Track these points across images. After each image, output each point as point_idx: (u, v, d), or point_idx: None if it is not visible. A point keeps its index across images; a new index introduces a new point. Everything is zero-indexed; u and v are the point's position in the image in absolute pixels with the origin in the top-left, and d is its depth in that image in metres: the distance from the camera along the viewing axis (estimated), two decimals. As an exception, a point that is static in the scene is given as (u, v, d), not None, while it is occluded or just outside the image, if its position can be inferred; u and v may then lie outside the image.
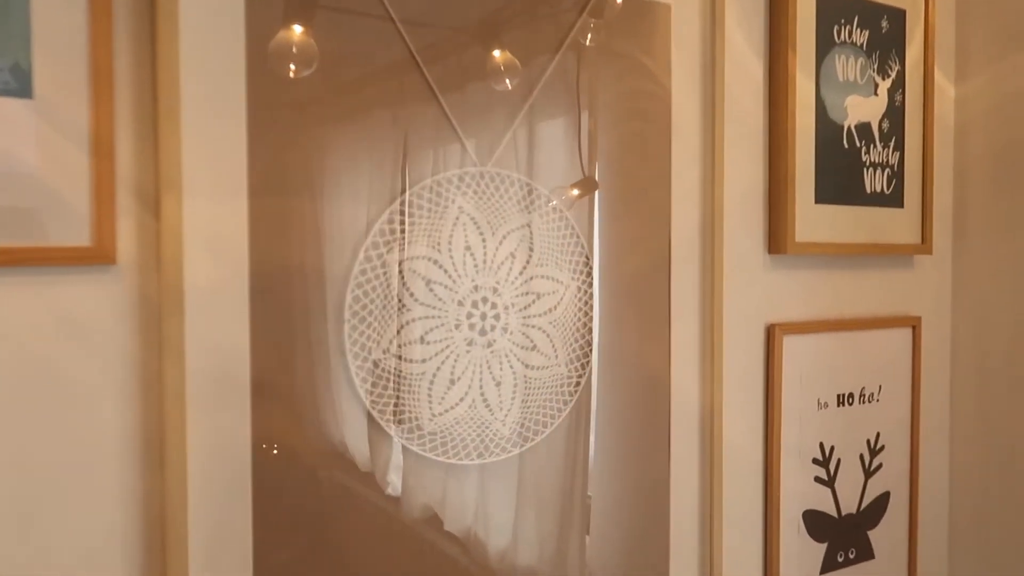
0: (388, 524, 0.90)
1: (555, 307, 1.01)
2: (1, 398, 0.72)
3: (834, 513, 1.31)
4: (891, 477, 1.39)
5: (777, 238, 1.22)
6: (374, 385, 0.89)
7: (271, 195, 0.83)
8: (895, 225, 1.36)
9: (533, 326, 0.99)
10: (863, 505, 1.35)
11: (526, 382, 0.99)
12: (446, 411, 0.93)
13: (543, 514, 1.01)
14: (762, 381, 1.23)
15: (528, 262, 0.99)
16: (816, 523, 1.29)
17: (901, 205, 1.36)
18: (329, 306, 0.86)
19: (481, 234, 0.95)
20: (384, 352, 0.89)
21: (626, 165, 1.07)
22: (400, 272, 0.90)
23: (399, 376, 0.90)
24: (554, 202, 0.97)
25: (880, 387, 1.37)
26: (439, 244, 0.93)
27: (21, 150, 0.72)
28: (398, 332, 0.90)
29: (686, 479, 1.14)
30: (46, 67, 0.73)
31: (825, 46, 1.25)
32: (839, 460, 1.31)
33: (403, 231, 0.90)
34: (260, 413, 0.82)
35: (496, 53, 0.96)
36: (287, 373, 0.84)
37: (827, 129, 1.26)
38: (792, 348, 1.25)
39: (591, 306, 1.04)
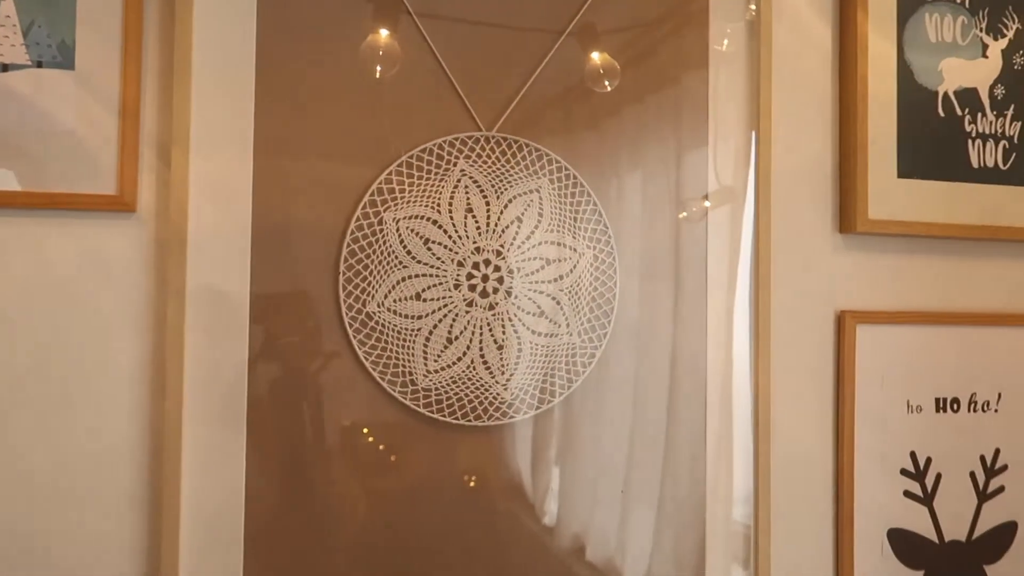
0: (364, 461, 0.93)
1: (567, 274, 0.99)
2: (37, 319, 0.85)
3: (933, 537, 1.13)
4: (1018, 504, 1.17)
5: (847, 215, 1.11)
6: (367, 336, 0.92)
7: (276, 152, 0.91)
8: (1017, 206, 1.17)
9: (541, 292, 0.98)
10: (976, 533, 1.15)
11: (532, 348, 0.98)
12: (441, 369, 0.95)
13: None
14: (832, 374, 1.11)
15: (537, 227, 0.98)
16: (907, 545, 1.12)
17: (1025, 183, 1.17)
18: (327, 259, 0.92)
19: (485, 197, 0.97)
20: (378, 306, 0.93)
21: (654, 133, 1.04)
22: (397, 230, 0.94)
23: (394, 330, 0.93)
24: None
25: (999, 395, 1.17)
26: (439, 205, 0.95)
27: (63, 113, 0.86)
28: (393, 288, 0.93)
29: (726, 478, 1.05)
30: (86, 43, 0.86)
31: (911, 4, 1.13)
32: (938, 475, 1.14)
33: (402, 191, 0.94)
34: (256, 349, 0.89)
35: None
36: (283, 318, 0.90)
37: (914, 96, 1.13)
38: (871, 340, 1.11)
39: (612, 277, 1.01)
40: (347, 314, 0.92)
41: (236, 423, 0.88)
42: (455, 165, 0.96)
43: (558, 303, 0.99)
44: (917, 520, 1.13)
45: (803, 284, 1.10)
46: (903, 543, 1.12)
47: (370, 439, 0.93)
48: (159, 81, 0.88)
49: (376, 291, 0.93)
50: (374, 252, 0.93)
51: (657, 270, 1.03)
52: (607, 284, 1.01)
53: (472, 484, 0.95)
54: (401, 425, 0.93)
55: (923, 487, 1.13)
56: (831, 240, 1.11)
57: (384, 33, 0.95)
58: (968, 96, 1.15)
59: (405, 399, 0.93)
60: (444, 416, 0.94)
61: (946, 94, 1.14)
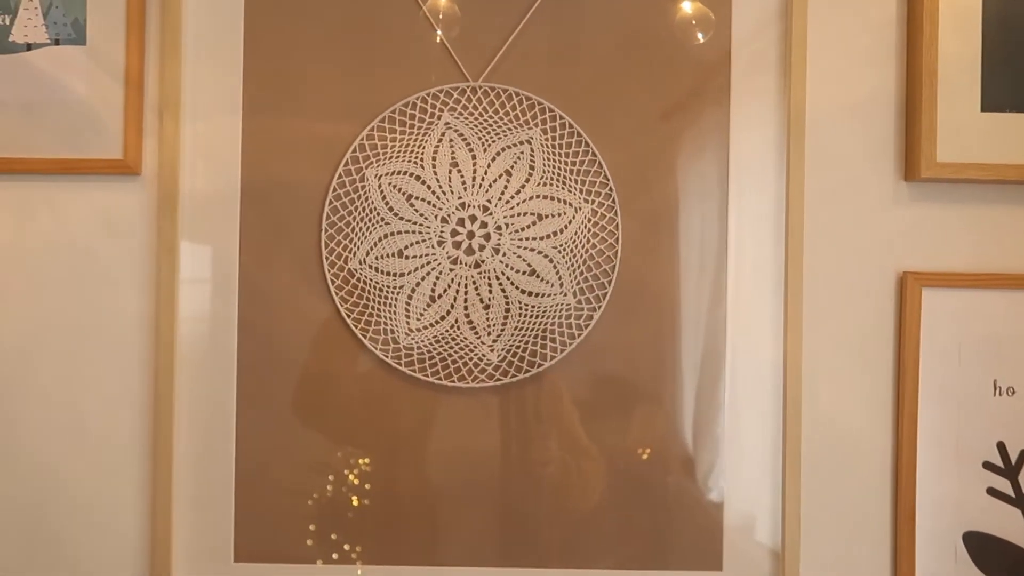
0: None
1: (561, 231, 0.93)
2: (53, 274, 0.93)
3: (1027, 546, 0.94)
4: None
5: (912, 159, 0.94)
6: (349, 294, 0.93)
7: (263, 112, 0.93)
8: None
9: (532, 249, 0.93)
10: (1091, 547, 0.94)
11: (521, 308, 0.93)
12: (424, 327, 0.92)
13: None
14: (892, 346, 0.95)
15: (527, 181, 0.93)
16: (991, 552, 0.94)
17: None
18: (310, 216, 0.93)
19: (471, 150, 0.93)
20: (360, 263, 0.93)
21: (658, 71, 0.94)
22: (379, 187, 0.93)
23: (375, 287, 0.92)
24: None
25: None
26: (422, 160, 0.93)
27: (76, 84, 0.93)
28: (375, 244, 0.92)
29: (752, 461, 0.93)
30: (96, 20, 0.93)
31: None
32: (1037, 472, 0.94)
33: (384, 147, 0.93)
34: (244, 304, 0.92)
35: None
36: (270, 273, 0.93)
37: (1006, 8, 0.93)
38: (943, 306, 0.94)
39: (614, 233, 0.93)
40: (329, 271, 0.92)
41: (227, 377, 0.92)
42: (439, 118, 0.93)
43: (551, 261, 0.93)
44: (1006, 524, 0.94)
45: (855, 240, 0.94)
46: (985, 549, 0.94)
47: (351, 395, 0.93)
48: (160, 48, 0.93)
49: (358, 248, 0.92)
50: (356, 209, 0.93)
51: (667, 225, 0.94)
52: (607, 241, 0.93)
53: (452, 446, 0.93)
54: (382, 383, 0.92)
55: (1015, 485, 0.94)
56: (893, 189, 0.95)
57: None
58: (1087, 5, 0.92)
59: (387, 357, 0.92)
60: (427, 375, 0.92)
61: (1054, 5, 0.92)
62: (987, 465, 0.94)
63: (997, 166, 0.92)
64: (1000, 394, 0.94)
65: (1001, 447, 0.94)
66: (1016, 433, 0.93)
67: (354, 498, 0.92)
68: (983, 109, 0.92)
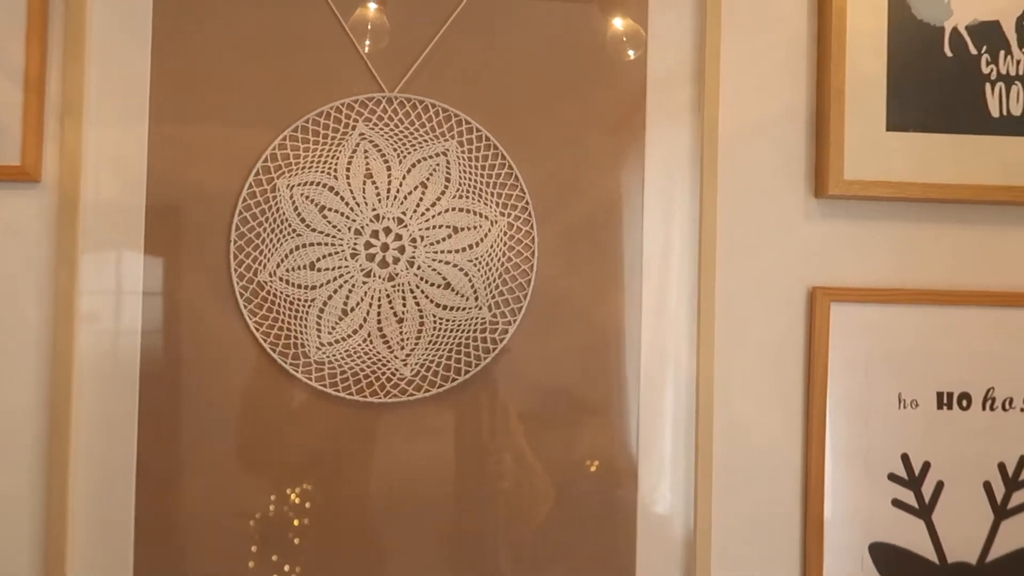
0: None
1: (477, 244, 0.92)
2: (-55, 284, 0.89)
3: (931, 556, 0.96)
4: (1049, 524, 0.97)
5: (821, 176, 0.95)
6: (258, 307, 0.90)
7: (171, 119, 0.90)
8: (1056, 163, 0.96)
9: (446, 262, 0.92)
10: (991, 555, 0.97)
11: (436, 322, 0.92)
12: (336, 341, 0.91)
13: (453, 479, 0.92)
14: (802, 359, 0.96)
15: (443, 193, 0.92)
16: (896, 564, 0.96)
17: (1069, 135, 0.96)
18: (219, 227, 0.90)
19: (386, 162, 0.92)
20: (270, 275, 0.90)
21: (576, 86, 0.94)
22: (291, 197, 0.91)
23: (286, 301, 0.90)
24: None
25: (1029, 391, 0.97)
26: (335, 170, 0.91)
27: (-29, 87, 0.89)
28: (286, 256, 0.91)
29: (664, 469, 0.94)
30: (-6, 19, 0.90)
31: (908, -76, 0.95)
32: (940, 484, 0.96)
33: (297, 157, 0.91)
34: (148, 317, 0.89)
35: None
36: (176, 284, 0.90)
37: (912, 33, 0.95)
38: (851, 321, 0.96)
39: (530, 247, 0.93)
40: (238, 283, 0.90)
41: (129, 391, 0.89)
42: (354, 128, 0.91)
43: (466, 274, 0.92)
44: (910, 535, 0.96)
45: (767, 255, 0.96)
46: (890, 561, 0.96)
47: (259, 410, 0.90)
48: (63, 51, 0.90)
49: (268, 260, 0.90)
50: (267, 220, 0.91)
51: (584, 240, 0.94)
52: (523, 255, 0.93)
53: (365, 463, 0.91)
54: (291, 398, 0.90)
55: (918, 496, 0.96)
56: (803, 205, 0.97)
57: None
58: (985, 31, 0.96)
59: (296, 372, 0.90)
60: (338, 391, 0.90)
61: (955, 30, 0.96)
62: (892, 477, 0.96)
63: (902, 184, 0.94)
64: (904, 407, 0.96)
65: (905, 459, 0.96)
66: (920, 445, 0.96)
67: (257, 512, 0.90)
68: (888, 128, 0.94)
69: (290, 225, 0.91)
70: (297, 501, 0.90)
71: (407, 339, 0.91)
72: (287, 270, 0.90)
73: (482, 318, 0.92)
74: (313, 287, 0.91)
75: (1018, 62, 0.96)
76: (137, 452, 0.89)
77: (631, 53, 0.94)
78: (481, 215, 0.92)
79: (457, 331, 0.92)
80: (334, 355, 0.90)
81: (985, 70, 0.95)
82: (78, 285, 0.88)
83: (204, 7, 0.91)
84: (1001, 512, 0.97)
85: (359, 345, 0.91)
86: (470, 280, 0.92)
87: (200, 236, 0.90)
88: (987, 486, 0.97)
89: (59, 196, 0.89)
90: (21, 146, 0.89)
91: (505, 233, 0.92)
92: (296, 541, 0.90)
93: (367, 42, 0.94)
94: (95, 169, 0.90)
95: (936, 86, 0.95)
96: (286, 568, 0.89)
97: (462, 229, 0.92)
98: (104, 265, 0.89)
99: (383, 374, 0.91)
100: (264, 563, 0.89)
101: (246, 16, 0.91)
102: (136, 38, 0.90)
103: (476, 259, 0.92)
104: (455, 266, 0.92)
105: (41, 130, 0.90)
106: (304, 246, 0.91)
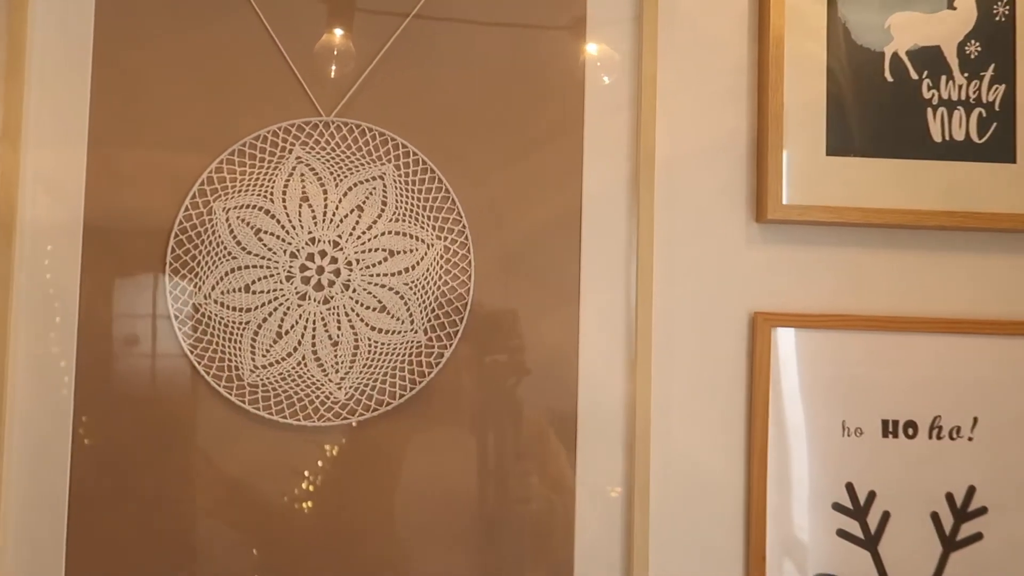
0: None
1: (412, 267, 0.92)
2: None
3: (877, 588, 0.94)
4: (999, 554, 0.95)
5: (761, 201, 0.95)
6: (192, 329, 0.90)
7: (110, 143, 0.91)
8: (1000, 187, 0.96)
9: (382, 285, 0.92)
10: (939, 588, 0.94)
11: (371, 346, 0.91)
12: (270, 364, 0.90)
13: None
14: (744, 386, 0.95)
15: (379, 216, 0.92)
16: (841, 596, 0.94)
17: (1012, 159, 0.96)
18: (155, 250, 0.91)
19: (322, 185, 0.92)
20: (205, 298, 0.90)
21: (513, 110, 0.94)
22: (227, 220, 0.91)
23: (220, 323, 0.90)
24: None
25: (975, 420, 0.95)
26: (272, 194, 0.92)
27: (-86, 111, 0.90)
28: (221, 279, 0.91)
29: (600, 495, 0.92)
30: (-62, 45, 0.91)
31: (846, -49, 0.96)
32: (886, 514, 0.94)
33: (233, 180, 0.91)
34: (84, 343, 0.89)
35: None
36: (111, 307, 0.90)
37: (851, 58, 0.95)
38: (793, 347, 0.94)
39: (466, 271, 0.92)
40: (172, 306, 0.90)
41: (62, 418, 0.89)
42: (291, 152, 0.92)
43: (402, 298, 0.92)
44: (855, 567, 0.94)
45: (708, 280, 0.95)
46: (836, 592, 0.94)
47: (194, 436, 0.90)
48: (3, 76, 0.91)
49: (203, 283, 0.90)
50: (202, 243, 0.91)
51: (521, 266, 0.93)
52: (460, 279, 0.92)
53: (298, 486, 0.90)
54: (224, 421, 0.90)
55: (864, 527, 0.94)
56: (745, 230, 0.96)
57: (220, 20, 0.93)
58: (927, 56, 0.96)
59: (230, 394, 0.90)
60: (272, 414, 0.90)
61: (895, 55, 0.95)
62: (836, 506, 0.94)
63: (842, 208, 0.93)
64: (849, 435, 0.94)
65: (850, 488, 0.94)
66: (864, 474, 0.94)
67: (190, 536, 0.89)
68: (829, 153, 0.94)
69: (225, 248, 0.91)
70: (228, 524, 0.90)
71: (342, 362, 0.91)
72: (222, 292, 0.90)
73: (418, 341, 0.91)
74: (248, 309, 0.90)
75: (960, 87, 0.95)
76: (70, 471, 0.88)
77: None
78: (417, 238, 0.92)
79: (392, 354, 0.91)
80: (268, 378, 0.90)
81: (927, 95, 0.95)
82: (12, 308, 0.88)
83: (144, 32, 0.92)
84: (949, 544, 0.94)
85: (293, 368, 0.90)
86: (406, 303, 0.91)
87: (135, 259, 0.91)
88: (935, 517, 0.95)
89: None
90: (-38, 169, 0.90)
91: (441, 256, 0.92)
92: (226, 564, 0.89)
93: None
94: (31, 192, 0.90)
95: (877, 111, 0.95)
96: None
97: (398, 252, 0.92)
98: (40, 288, 0.90)
99: (317, 397, 0.90)
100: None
101: (185, 40, 0.92)
102: (76, 63, 0.91)
103: (412, 282, 0.92)
104: (391, 289, 0.91)
105: (-18, 153, 0.91)
106: (239, 268, 0.91)
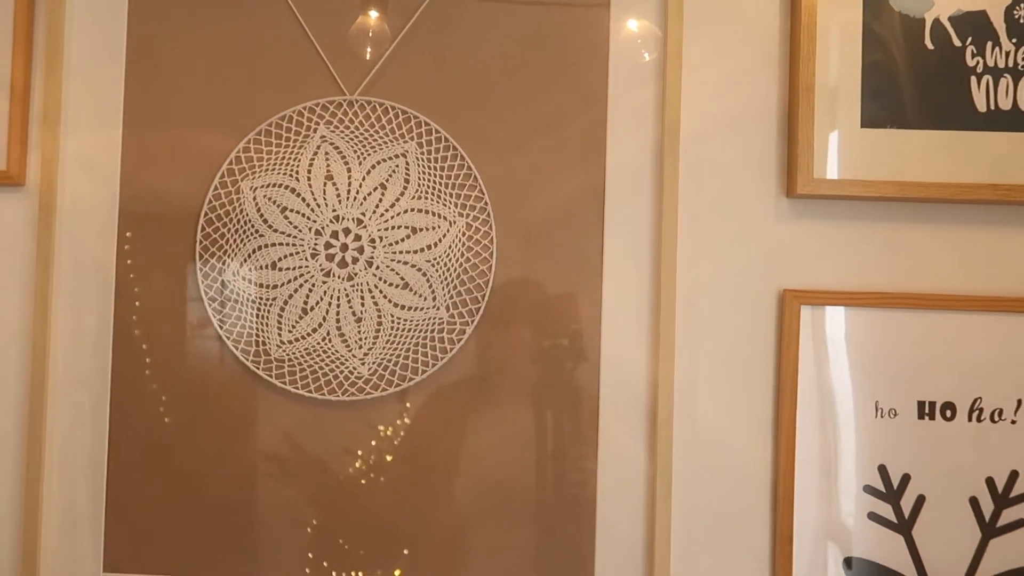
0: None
1: (435, 244, 0.93)
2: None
3: (911, 574, 0.91)
4: (1043, 544, 0.91)
5: (791, 175, 0.92)
6: (221, 305, 0.93)
7: (144, 125, 0.94)
8: (1050, 159, 0.91)
9: (405, 263, 0.92)
10: (978, 575, 0.91)
11: (394, 322, 0.92)
12: (296, 340, 0.92)
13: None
14: (772, 365, 0.93)
15: (402, 194, 0.93)
16: (872, 580, 0.92)
17: (1063, 129, 0.91)
18: (187, 229, 0.94)
19: (346, 163, 0.93)
20: (233, 275, 0.93)
21: (536, 87, 0.93)
22: (254, 199, 0.93)
23: (248, 299, 0.93)
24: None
25: (1020, 402, 0.91)
26: (297, 172, 0.93)
27: (-39, 96, 0.95)
28: (249, 256, 0.93)
29: (623, 475, 0.92)
30: (-17, 34, 0.95)
31: (885, -88, 0.92)
32: (921, 497, 0.91)
33: (260, 160, 0.93)
34: (120, 312, 0.93)
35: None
36: (146, 283, 0.94)
37: (888, 26, 0.91)
38: (823, 325, 0.92)
39: (488, 248, 0.92)
40: (203, 283, 0.93)
41: (101, 389, 0.92)
42: (315, 131, 0.93)
43: (424, 275, 0.92)
44: (887, 550, 0.91)
45: (736, 256, 0.93)
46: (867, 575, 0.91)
47: (224, 406, 0.93)
48: (46, 63, 0.95)
49: (232, 260, 0.93)
50: (231, 221, 0.93)
51: (543, 239, 0.93)
52: (482, 256, 0.93)
53: (322, 458, 0.92)
54: (253, 395, 0.92)
55: (897, 510, 0.91)
56: (774, 205, 0.93)
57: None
58: (971, 22, 0.91)
59: (258, 368, 0.92)
60: (297, 388, 0.92)
61: (937, 21, 0.91)
62: (868, 489, 0.91)
63: (877, 182, 0.90)
64: (882, 416, 0.92)
65: (883, 470, 0.91)
66: (898, 456, 0.91)
67: (223, 512, 0.92)
68: (863, 125, 0.90)
69: (253, 226, 0.93)
70: (249, 498, 0.92)
71: (365, 338, 0.92)
72: (250, 269, 0.93)
73: (439, 318, 0.92)
74: (274, 286, 0.92)
75: (1007, 54, 0.90)
76: (108, 446, 0.92)
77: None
78: (440, 216, 0.92)
79: (414, 331, 0.92)
80: (294, 353, 0.92)
81: (971, 63, 0.91)
82: (53, 285, 0.92)
83: (174, 19, 0.94)
84: (990, 530, 0.91)
85: (318, 343, 0.92)
86: (428, 280, 0.92)
87: (168, 237, 0.93)
88: (974, 502, 0.91)
89: (40, 200, 0.94)
90: (7, 152, 0.94)
91: (463, 233, 0.92)
92: (258, 533, 0.92)
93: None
94: (72, 173, 0.94)
95: (916, 81, 0.91)
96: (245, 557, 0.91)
97: (421, 230, 0.92)
98: (80, 265, 0.93)
99: (341, 372, 0.92)
100: (233, 553, 0.91)
101: (214, 26, 0.94)
102: (111, 49, 0.94)
103: (434, 259, 0.92)
104: (413, 266, 0.92)
105: (25, 137, 0.95)
106: (266, 246, 0.93)
